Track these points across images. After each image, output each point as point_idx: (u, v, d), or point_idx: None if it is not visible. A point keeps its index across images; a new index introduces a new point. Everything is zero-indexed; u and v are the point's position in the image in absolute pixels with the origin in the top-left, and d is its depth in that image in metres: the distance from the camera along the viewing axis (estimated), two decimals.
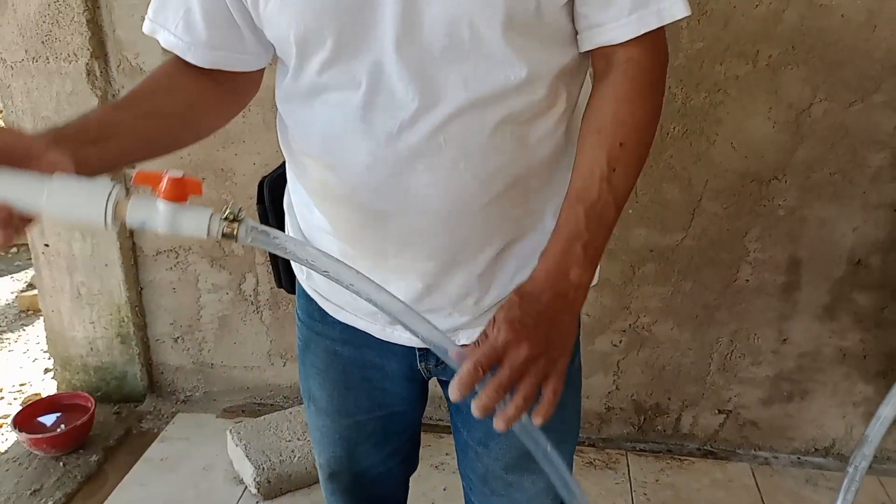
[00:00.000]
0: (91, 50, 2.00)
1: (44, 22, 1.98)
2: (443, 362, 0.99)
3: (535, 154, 0.85)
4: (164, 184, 0.65)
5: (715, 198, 1.96)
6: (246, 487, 2.00)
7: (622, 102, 0.82)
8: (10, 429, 2.19)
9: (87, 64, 2.01)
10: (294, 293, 1.12)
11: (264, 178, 1.09)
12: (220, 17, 0.82)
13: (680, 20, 0.80)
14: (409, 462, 1.24)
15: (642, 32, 0.79)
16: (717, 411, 2.18)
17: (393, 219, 0.86)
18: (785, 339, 2.07)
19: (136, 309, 2.28)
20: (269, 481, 1.95)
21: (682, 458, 2.17)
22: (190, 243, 2.22)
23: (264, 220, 1.10)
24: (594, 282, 0.99)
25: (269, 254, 1.14)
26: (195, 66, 0.85)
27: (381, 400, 1.08)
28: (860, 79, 1.80)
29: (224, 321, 2.31)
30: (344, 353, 1.06)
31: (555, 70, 0.82)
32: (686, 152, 1.93)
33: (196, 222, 0.66)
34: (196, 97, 0.86)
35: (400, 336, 0.97)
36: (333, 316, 1.03)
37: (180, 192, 0.66)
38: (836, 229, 1.94)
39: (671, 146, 1.93)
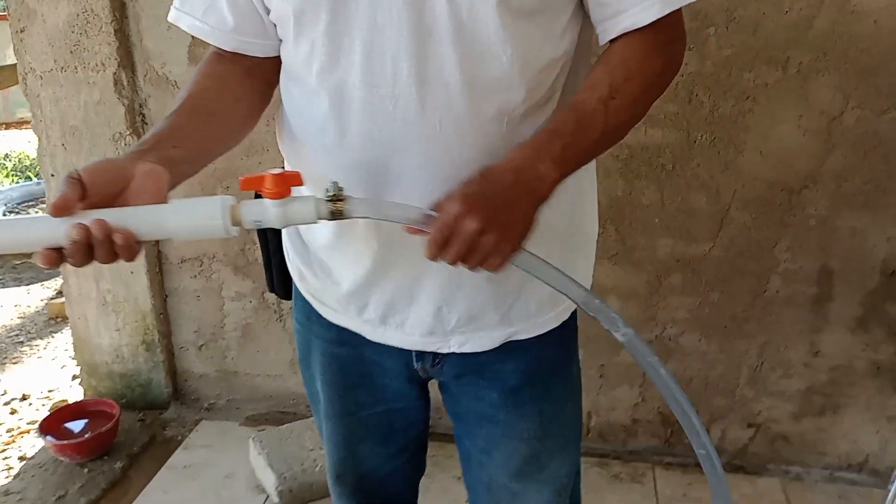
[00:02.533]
0: (118, 59, 2.02)
1: (72, 32, 2.01)
2: (440, 362, 0.99)
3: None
4: (267, 183, 0.73)
5: (744, 207, 1.92)
6: (268, 496, 2.00)
7: (636, 52, 0.83)
8: (36, 434, 2.21)
9: (115, 73, 2.04)
10: (286, 298, 1.12)
11: None
12: (243, 4, 0.86)
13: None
14: (415, 463, 1.22)
15: (667, 12, 0.80)
16: (746, 425, 2.13)
17: (389, 195, 0.86)
18: (817, 352, 2.02)
19: (161, 316, 2.30)
20: (290, 490, 1.95)
21: None
22: (214, 251, 2.23)
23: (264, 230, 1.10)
24: (596, 234, 1.03)
25: (263, 257, 1.14)
26: (230, 63, 0.89)
27: (382, 395, 1.07)
28: (894, 86, 1.76)
29: (247, 329, 2.31)
30: (341, 353, 1.05)
31: (546, 62, 0.83)
32: (714, 161, 1.90)
33: (304, 210, 0.73)
34: (240, 91, 0.90)
35: (391, 337, 0.97)
36: (327, 318, 1.02)
37: (283, 188, 0.73)
38: (869, 239, 1.90)
39: (698, 154, 1.89)
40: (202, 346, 2.34)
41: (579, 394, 1.09)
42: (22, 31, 2.03)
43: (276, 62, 0.91)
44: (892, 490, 0.84)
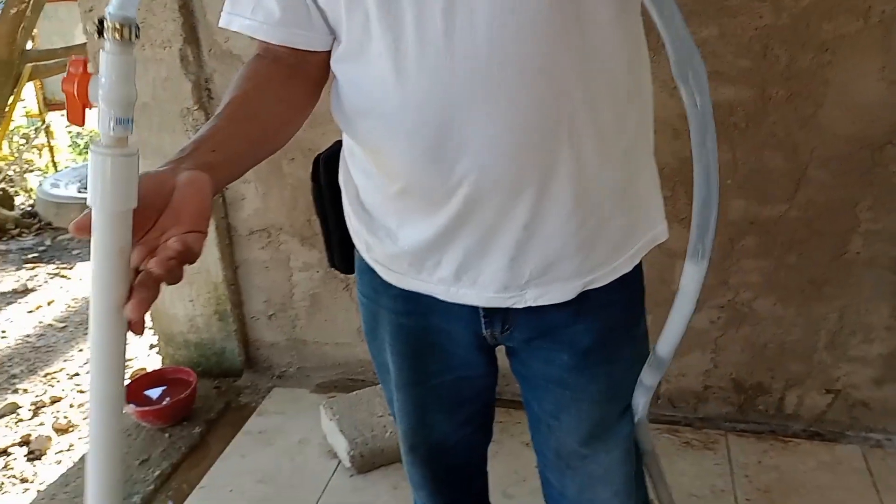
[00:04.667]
0: (184, 36, 2.05)
1: (139, 10, 2.04)
2: (508, 328, 0.98)
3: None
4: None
5: (823, 165, 1.84)
6: (340, 461, 2.05)
7: None
8: None
9: (181, 50, 2.07)
10: (348, 272, 1.12)
11: (319, 155, 1.09)
12: None
13: None
14: (484, 432, 1.23)
15: None
16: (824, 391, 2.07)
17: (454, 156, 0.84)
18: None
19: (232, 287, 2.35)
20: (362, 455, 1.99)
21: (787, 439, 2.07)
22: (281, 223, 2.26)
23: (319, 196, 1.10)
24: (664, 238, 1.01)
25: (323, 232, 1.13)
26: (272, 64, 0.88)
27: (450, 363, 1.07)
28: None
29: (315, 299, 2.35)
30: (409, 324, 1.05)
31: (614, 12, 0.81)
32: (790, 117, 1.81)
33: None
34: (283, 92, 0.89)
35: (465, 294, 0.95)
36: (396, 285, 1.01)
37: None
38: None
39: (774, 111, 1.82)
40: (272, 315, 2.40)
41: (646, 354, 1.07)
42: (90, 11, 2.08)
43: (320, 60, 0.90)
44: None
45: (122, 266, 0.64)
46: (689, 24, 1.80)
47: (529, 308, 0.95)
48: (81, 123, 0.70)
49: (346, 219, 1.05)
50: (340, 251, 1.10)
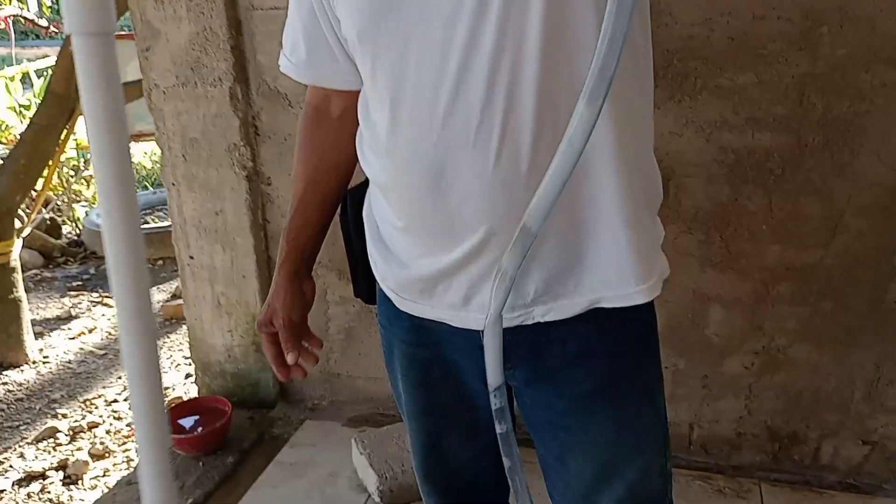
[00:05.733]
0: (234, 75, 2.14)
1: (193, 50, 2.14)
2: (511, 367, 0.98)
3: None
4: None
5: (859, 213, 1.84)
6: (369, 495, 2.05)
7: None
8: None
9: (231, 88, 2.15)
10: (371, 303, 1.16)
11: (349, 190, 1.14)
12: (318, 41, 0.97)
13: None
14: (502, 465, 1.22)
15: None
16: (861, 442, 2.03)
17: (445, 198, 0.88)
18: None
19: None
20: (391, 490, 1.99)
21: (822, 490, 2.03)
22: (319, 256, 2.30)
23: (346, 228, 1.15)
24: (665, 274, 0.98)
25: (349, 262, 1.18)
26: (321, 119, 1.08)
27: (462, 393, 1.08)
28: None
29: (350, 333, 2.38)
30: (420, 354, 1.07)
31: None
32: (827, 165, 1.82)
33: None
34: (333, 147, 1.08)
35: (474, 319, 0.96)
36: (408, 312, 1.04)
37: None
38: None
39: (810, 158, 1.83)
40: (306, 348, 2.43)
41: (659, 396, 1.05)
42: (147, 51, 2.18)
43: (353, 100, 1.01)
44: None
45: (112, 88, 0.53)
46: (726, 73, 1.82)
47: (531, 347, 0.96)
48: None
49: (368, 250, 1.09)
50: (364, 282, 1.14)
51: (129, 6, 2.17)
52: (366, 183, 1.10)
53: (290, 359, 1.12)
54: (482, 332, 0.94)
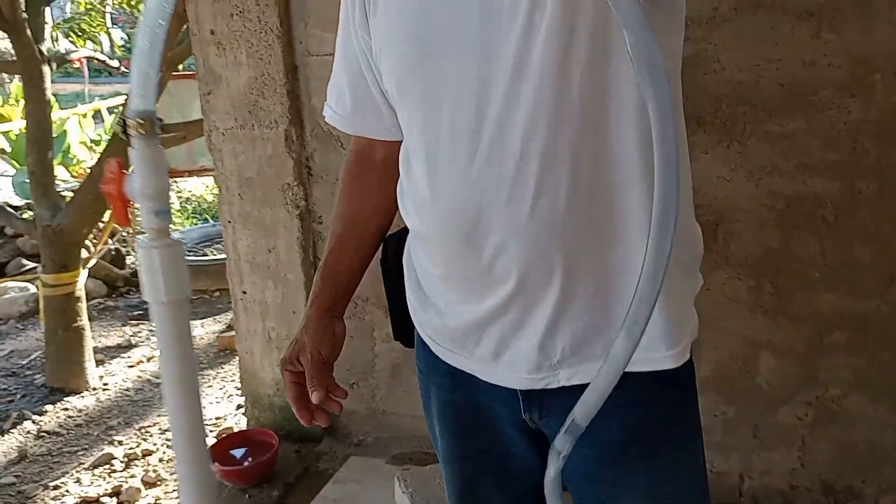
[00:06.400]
0: (290, 117, 2.22)
1: (251, 94, 2.23)
2: (545, 415, 0.98)
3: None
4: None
5: None
6: None
7: None
8: None
9: (286, 130, 2.23)
10: (410, 346, 1.17)
11: (389, 236, 1.16)
12: (362, 92, 1.01)
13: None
14: None
15: None
16: None
17: (482, 249, 0.89)
18: None
19: None
20: None
21: None
22: (367, 294, 2.35)
23: (386, 274, 1.17)
24: (695, 335, 0.97)
25: (388, 306, 1.20)
26: (364, 169, 1.11)
27: (496, 439, 1.07)
28: None
29: (396, 370, 2.41)
30: (456, 400, 1.07)
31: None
32: (881, 212, 1.78)
33: None
34: (374, 193, 1.10)
35: (503, 376, 0.97)
36: (443, 359, 1.05)
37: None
38: None
39: (864, 205, 1.79)
40: (353, 384, 2.46)
41: (697, 449, 1.03)
42: (208, 94, 2.28)
43: (396, 150, 1.03)
44: None
45: (184, 351, 0.69)
46: (776, 118, 1.82)
47: (565, 395, 0.95)
48: (126, 224, 0.74)
49: (407, 296, 1.10)
50: (403, 326, 1.15)
51: (194, 52, 2.28)
52: (406, 229, 1.13)
53: (315, 398, 1.03)
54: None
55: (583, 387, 0.93)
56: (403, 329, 1.18)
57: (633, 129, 0.83)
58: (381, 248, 1.19)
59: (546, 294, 0.90)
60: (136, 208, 0.67)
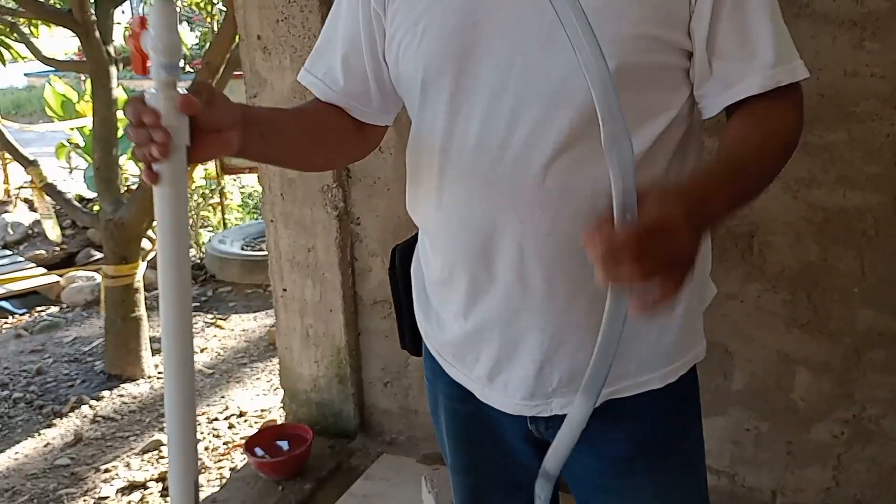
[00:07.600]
0: None
1: (294, 97, 2.29)
2: (552, 426, 0.99)
3: None
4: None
5: None
6: None
7: (776, 109, 0.85)
8: (241, 451, 2.49)
9: None
10: (417, 355, 1.19)
11: (396, 245, 1.18)
12: (356, 75, 1.00)
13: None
14: None
15: (782, 84, 0.83)
16: None
17: (492, 255, 0.90)
18: None
19: (354, 353, 2.49)
20: None
21: None
22: None
23: (394, 284, 1.18)
24: (710, 300, 0.98)
25: (396, 315, 1.21)
26: (338, 107, 1.04)
27: (503, 448, 1.09)
28: None
29: None
30: (463, 409, 1.09)
31: (661, 129, 0.86)
32: None
33: None
34: (335, 127, 1.04)
35: (496, 399, 0.99)
36: (448, 374, 1.07)
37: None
38: None
39: None
40: (387, 383, 2.51)
41: (700, 463, 1.05)
42: (254, 97, 2.35)
43: (374, 131, 1.06)
44: None
45: (180, 194, 0.78)
46: (815, 129, 1.78)
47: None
48: (143, 72, 0.78)
49: (414, 307, 1.13)
50: (411, 335, 1.18)
51: (241, 56, 2.36)
52: (414, 239, 1.15)
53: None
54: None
55: None
56: (411, 337, 1.20)
57: (660, 171, 0.87)
58: (389, 256, 1.21)
59: (546, 319, 0.91)
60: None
